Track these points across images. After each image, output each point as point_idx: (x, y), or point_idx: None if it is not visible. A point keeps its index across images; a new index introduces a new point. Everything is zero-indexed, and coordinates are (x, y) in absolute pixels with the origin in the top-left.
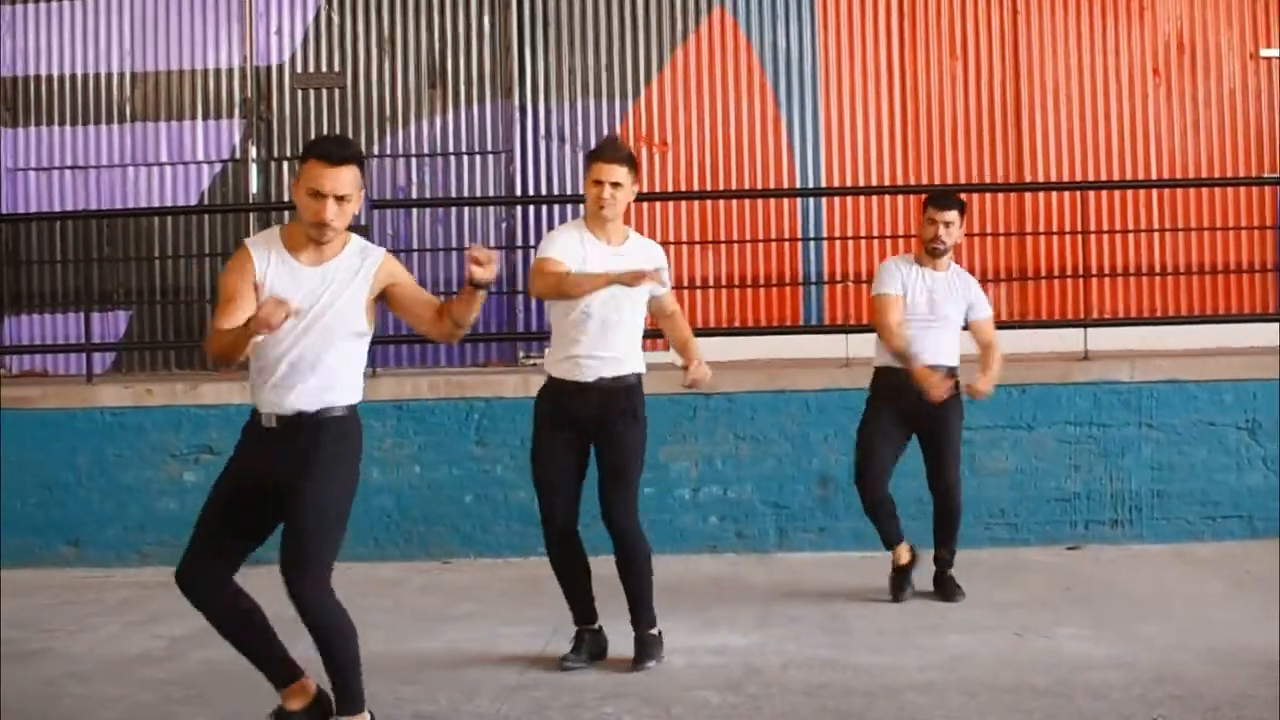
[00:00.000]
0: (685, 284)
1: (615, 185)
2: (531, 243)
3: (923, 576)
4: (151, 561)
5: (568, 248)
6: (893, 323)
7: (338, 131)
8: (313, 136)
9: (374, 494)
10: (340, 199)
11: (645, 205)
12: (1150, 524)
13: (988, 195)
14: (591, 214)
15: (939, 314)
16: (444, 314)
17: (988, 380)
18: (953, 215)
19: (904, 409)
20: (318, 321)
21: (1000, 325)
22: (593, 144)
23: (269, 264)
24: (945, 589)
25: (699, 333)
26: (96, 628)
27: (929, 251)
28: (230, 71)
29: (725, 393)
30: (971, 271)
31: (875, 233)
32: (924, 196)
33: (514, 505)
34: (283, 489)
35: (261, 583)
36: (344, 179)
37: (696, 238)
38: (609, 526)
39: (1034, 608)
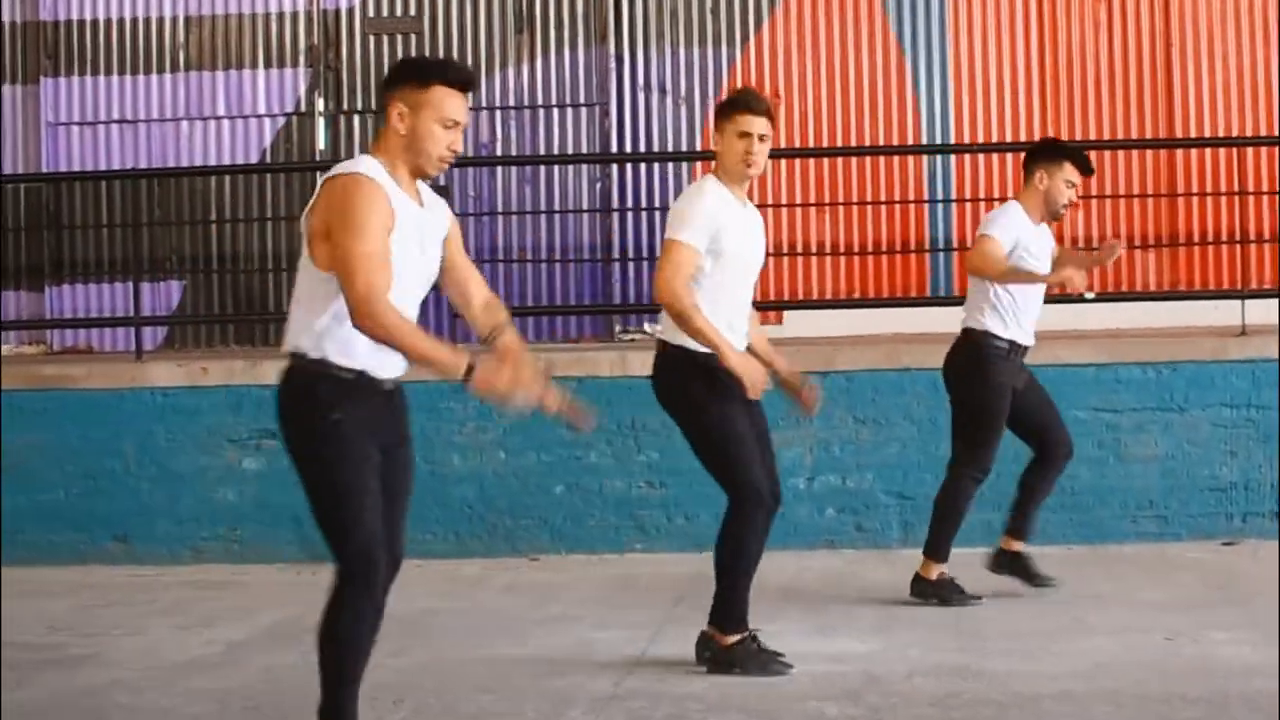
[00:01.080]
0: (799, 250)
1: (763, 139)
2: (629, 204)
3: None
4: (207, 559)
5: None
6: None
7: None
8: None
9: (454, 483)
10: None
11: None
12: None
13: (1135, 153)
14: (734, 171)
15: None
16: (489, 305)
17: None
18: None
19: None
20: (428, 270)
21: (1149, 296)
22: (696, 95)
23: (397, 204)
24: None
25: (815, 305)
26: (146, 631)
27: (1054, 216)
28: (295, 15)
29: (843, 371)
30: (1118, 236)
31: (1009, 194)
32: (1055, 150)
33: (609, 496)
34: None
35: None
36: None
37: (812, 200)
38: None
39: (1185, 609)
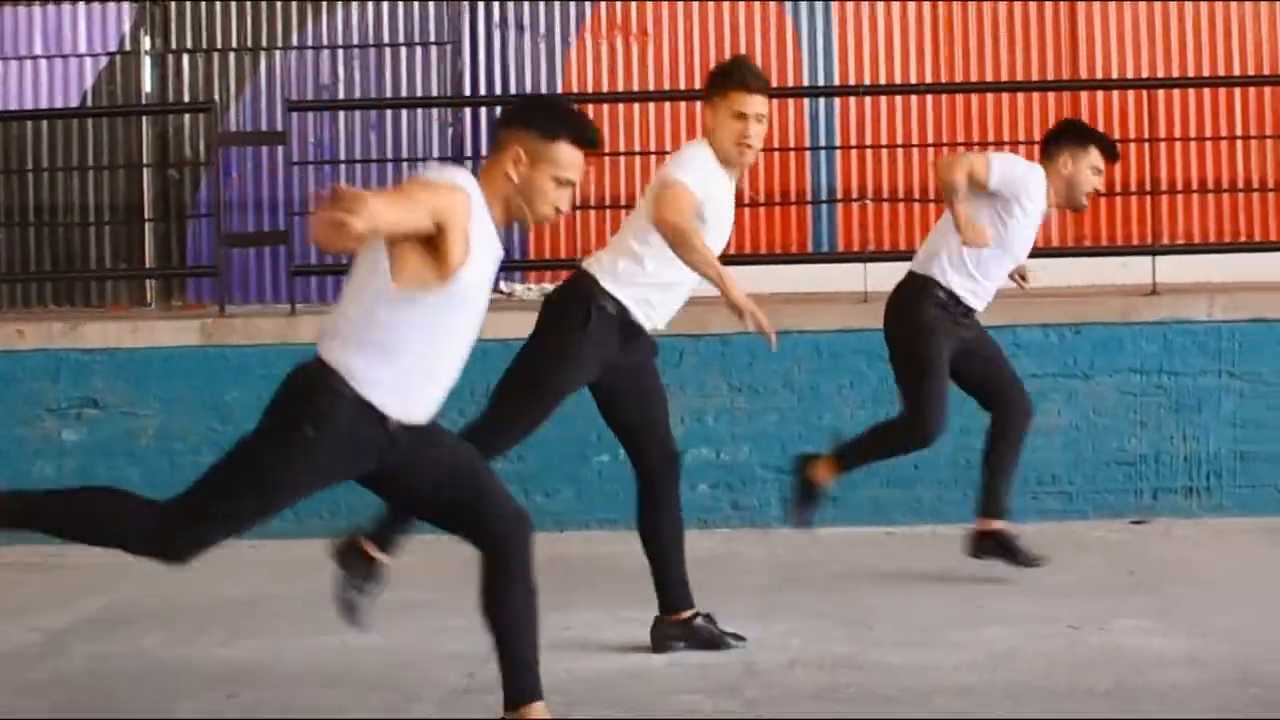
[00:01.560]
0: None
1: (760, 119)
2: (483, 152)
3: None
4: (21, 539)
5: (704, 180)
6: None
7: (249, 16)
8: (216, 24)
9: None
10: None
11: (622, 107)
12: (1232, 493)
13: (1035, 95)
14: (728, 154)
15: None
16: None
17: None
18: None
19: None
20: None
21: (1052, 253)
22: (556, 33)
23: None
24: None
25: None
26: None
27: (1075, 205)
28: None
29: (717, 334)
30: None
31: (899, 141)
32: (1080, 133)
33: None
34: None
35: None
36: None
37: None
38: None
39: (1092, 595)
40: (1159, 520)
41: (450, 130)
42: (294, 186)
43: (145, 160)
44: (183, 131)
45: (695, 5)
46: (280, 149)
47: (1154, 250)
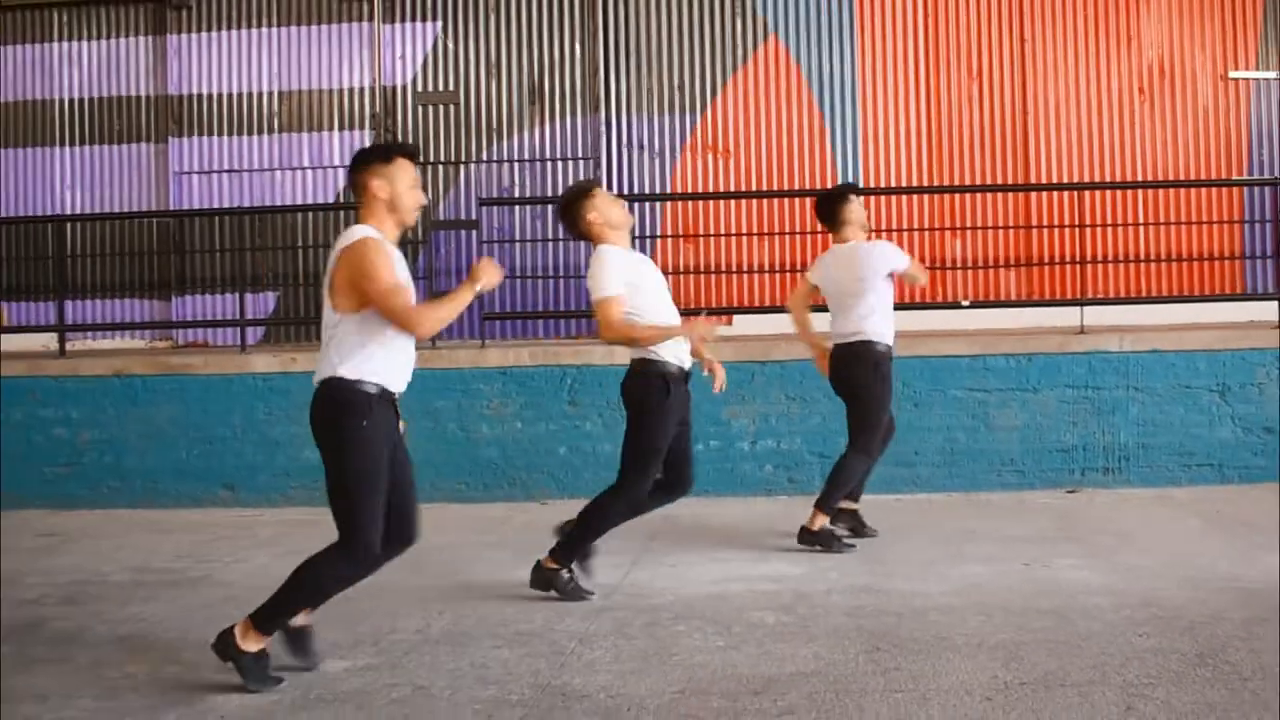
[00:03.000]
0: (745, 269)
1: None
2: None
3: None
4: (295, 503)
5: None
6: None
7: (452, 139)
8: (429, 145)
9: (483, 446)
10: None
11: (712, 204)
12: (1136, 471)
13: (999, 194)
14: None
15: None
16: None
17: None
18: None
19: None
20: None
21: (1009, 304)
22: (665, 151)
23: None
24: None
25: (762, 310)
26: (249, 559)
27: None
28: (361, 90)
29: (778, 361)
30: (985, 261)
31: (905, 226)
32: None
33: (600, 455)
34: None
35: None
36: None
37: (754, 230)
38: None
39: (1038, 542)
40: (1085, 490)
41: None
42: (483, 258)
43: None
44: None
45: (762, 129)
46: (474, 232)
47: (1082, 302)
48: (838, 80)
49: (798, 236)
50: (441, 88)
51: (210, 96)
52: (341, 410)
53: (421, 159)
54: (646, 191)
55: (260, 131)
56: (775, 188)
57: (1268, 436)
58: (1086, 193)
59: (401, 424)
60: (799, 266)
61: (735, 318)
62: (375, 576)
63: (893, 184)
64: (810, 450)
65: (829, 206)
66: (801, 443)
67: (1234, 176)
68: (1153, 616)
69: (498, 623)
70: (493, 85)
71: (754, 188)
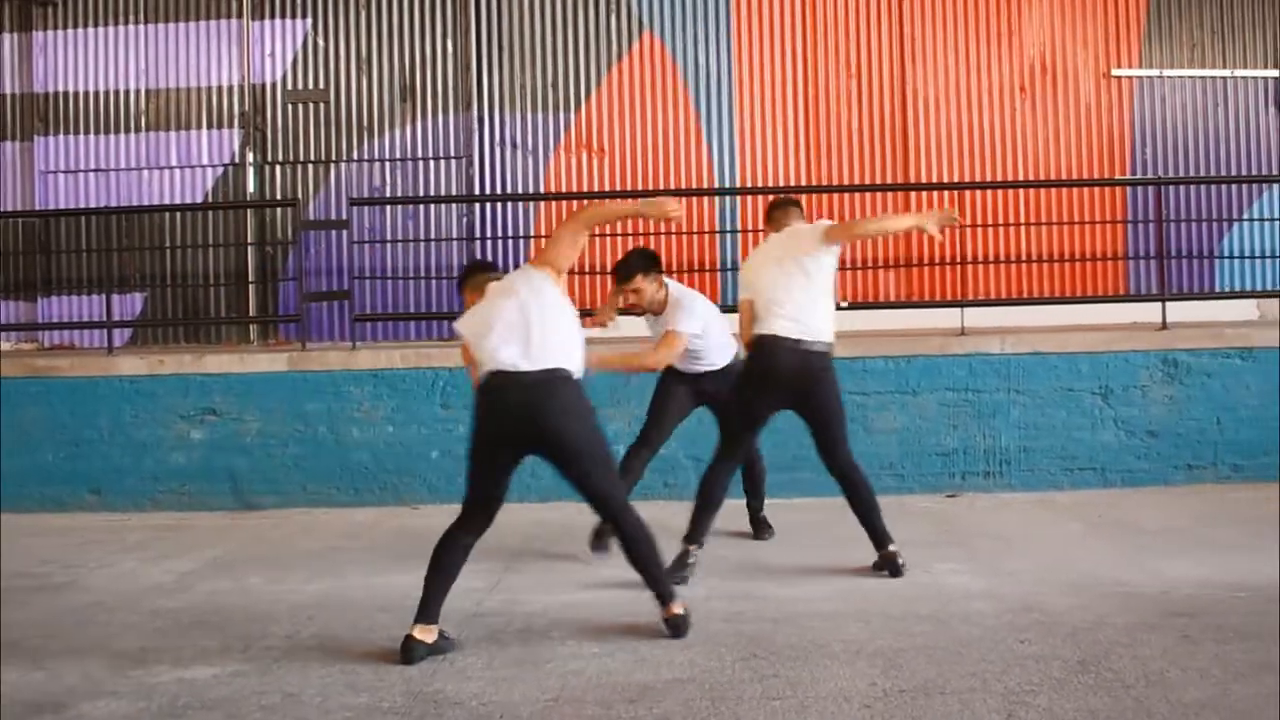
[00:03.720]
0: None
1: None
2: (489, 234)
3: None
4: (162, 507)
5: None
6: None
7: (322, 138)
8: (300, 143)
9: (354, 450)
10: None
11: (586, 203)
12: (1018, 475)
13: (879, 193)
14: None
15: None
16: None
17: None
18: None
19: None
20: None
21: (889, 305)
22: (540, 149)
23: None
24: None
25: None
26: (116, 564)
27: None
28: (230, 88)
29: None
30: (864, 262)
31: None
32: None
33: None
34: None
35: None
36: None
37: (630, 231)
38: None
39: (918, 547)
40: (966, 495)
41: (464, 220)
42: (354, 259)
43: (249, 240)
44: (276, 220)
45: (638, 127)
46: (345, 232)
47: (962, 303)
48: (714, 78)
49: (674, 237)
50: (311, 85)
51: (77, 94)
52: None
53: (290, 158)
54: (520, 191)
55: (128, 130)
56: (651, 187)
57: (1151, 440)
58: (967, 192)
59: None
60: (677, 267)
61: (620, 318)
62: (240, 581)
63: (770, 184)
64: (686, 454)
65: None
66: (677, 447)
67: (1116, 176)
68: (1034, 622)
69: (368, 629)
70: (363, 82)
71: (630, 187)
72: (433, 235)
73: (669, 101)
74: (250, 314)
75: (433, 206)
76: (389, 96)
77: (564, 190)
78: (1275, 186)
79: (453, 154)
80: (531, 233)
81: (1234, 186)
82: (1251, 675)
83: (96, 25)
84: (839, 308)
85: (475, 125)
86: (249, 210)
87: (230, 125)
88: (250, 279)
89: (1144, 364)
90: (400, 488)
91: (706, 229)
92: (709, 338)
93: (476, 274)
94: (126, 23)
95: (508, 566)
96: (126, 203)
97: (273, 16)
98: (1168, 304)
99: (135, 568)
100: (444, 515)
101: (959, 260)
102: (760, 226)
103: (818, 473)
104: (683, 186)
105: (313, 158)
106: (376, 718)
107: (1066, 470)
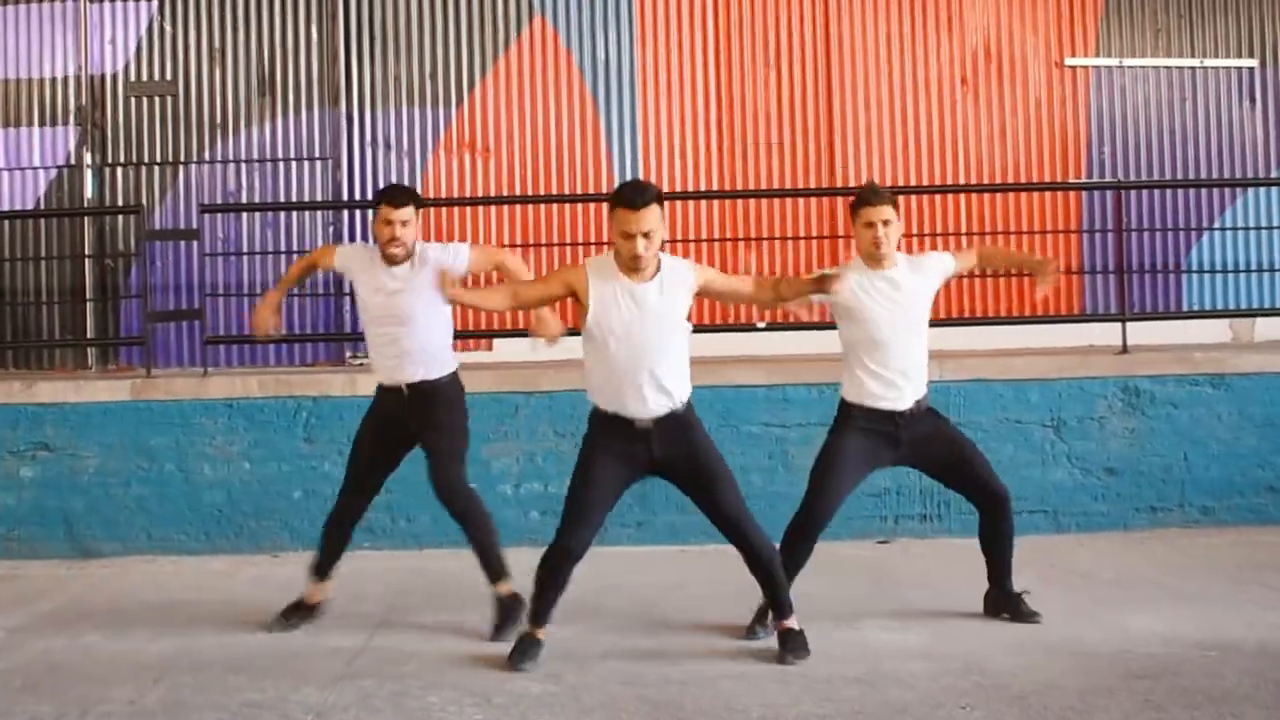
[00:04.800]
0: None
1: (648, 235)
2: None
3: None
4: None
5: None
6: None
7: (170, 136)
8: (144, 142)
9: (205, 490)
10: (648, 234)
11: (469, 210)
12: (958, 519)
13: (801, 199)
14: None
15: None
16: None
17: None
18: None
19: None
20: None
21: (809, 327)
22: (416, 149)
23: (598, 283)
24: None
25: (512, 334)
26: None
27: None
28: (65, 80)
29: (546, 391)
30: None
31: (691, 236)
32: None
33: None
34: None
35: None
36: (647, 218)
37: (518, 241)
38: None
39: (846, 600)
40: (900, 540)
41: (331, 229)
42: (206, 273)
43: (87, 252)
44: (117, 229)
45: (528, 124)
46: (195, 243)
47: None
48: (614, 69)
49: (567, 249)
50: (157, 77)
51: None
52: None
53: (133, 159)
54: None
55: None
56: (544, 191)
57: (1109, 478)
58: (901, 198)
59: None
60: None
61: (496, 342)
62: (77, 639)
63: (678, 188)
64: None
65: None
66: None
67: (1070, 179)
68: (976, 685)
69: (220, 692)
70: (216, 74)
71: (519, 191)
72: (295, 246)
73: (563, 96)
74: (88, 335)
75: (295, 214)
76: (245, 90)
77: (443, 195)
78: (1250, 191)
79: (317, 155)
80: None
81: (1204, 191)
82: None
83: None
84: (756, 329)
85: (343, 123)
86: (86, 218)
87: (65, 122)
88: (88, 296)
89: (1102, 392)
90: (258, 533)
91: (606, 240)
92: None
93: None
94: None
95: (381, 621)
96: None
97: None
98: (1128, 324)
99: None
100: (306, 564)
101: None
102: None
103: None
104: (579, 190)
105: (159, 159)
106: None
107: (1014, 513)
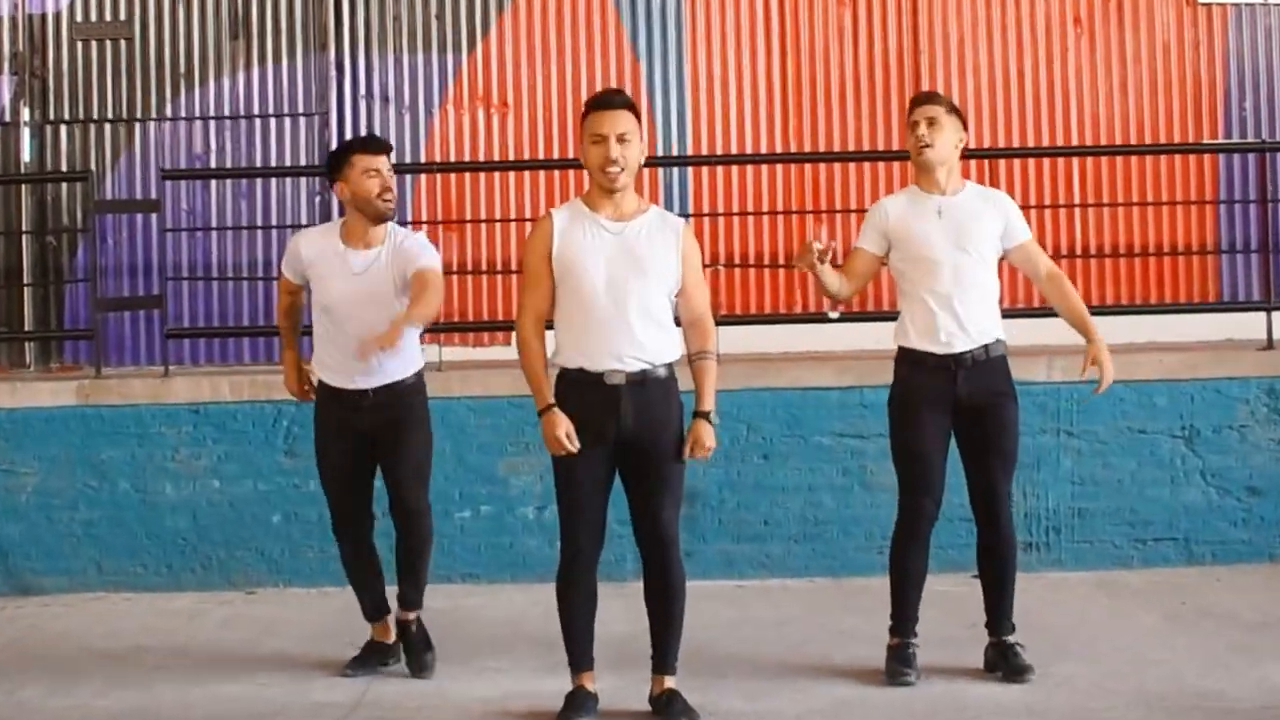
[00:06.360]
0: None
1: (623, 139)
2: None
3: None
4: None
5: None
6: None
7: (124, 88)
8: (93, 96)
9: (167, 513)
10: (621, 138)
11: (484, 174)
12: (1070, 548)
13: (881, 164)
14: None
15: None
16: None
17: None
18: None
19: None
20: None
21: (895, 316)
22: (420, 104)
23: (566, 226)
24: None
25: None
26: None
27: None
28: None
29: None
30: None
31: (749, 209)
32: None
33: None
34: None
35: None
36: (621, 120)
37: (542, 213)
38: None
39: (934, 645)
40: None
41: (319, 198)
42: (168, 252)
43: (24, 227)
44: (60, 199)
45: (553, 75)
46: (155, 216)
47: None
48: (658, 8)
49: None
50: (109, 18)
51: None
52: None
53: (80, 115)
54: (393, 161)
55: None
56: (571, 155)
57: (1252, 499)
58: (1000, 161)
59: None
60: None
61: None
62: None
63: (734, 151)
64: (620, 519)
65: None
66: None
67: (1206, 140)
68: None
69: None
70: (179, 14)
71: (541, 155)
72: (275, 220)
73: (596, 42)
74: (26, 328)
75: (274, 180)
76: (215, 33)
77: (452, 160)
78: None
79: (301, 110)
80: (410, 217)
81: None
82: None
83: None
84: (828, 319)
85: (332, 72)
86: (24, 186)
87: None
88: (25, 280)
89: (1243, 396)
90: (229, 565)
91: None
92: None
93: None
94: None
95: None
96: None
97: None
98: (1275, 314)
99: None
100: (287, 602)
101: None
102: (721, 209)
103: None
104: None
105: (111, 115)
106: None
107: (1137, 541)
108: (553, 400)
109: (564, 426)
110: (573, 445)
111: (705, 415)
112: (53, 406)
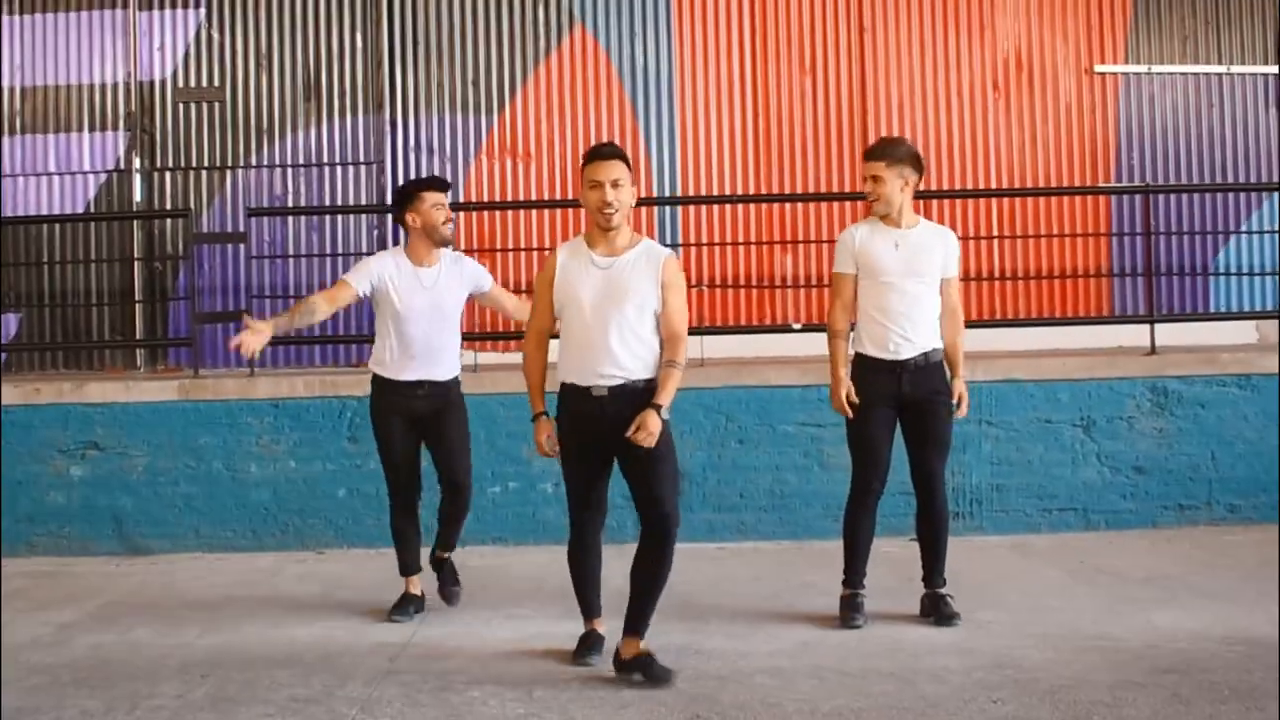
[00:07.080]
0: None
1: (616, 184)
2: None
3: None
4: (39, 552)
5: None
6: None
7: (217, 141)
8: (192, 147)
9: (252, 488)
10: (615, 183)
11: (511, 214)
12: (990, 517)
13: (835, 204)
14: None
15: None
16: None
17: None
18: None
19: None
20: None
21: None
22: (459, 155)
23: (565, 262)
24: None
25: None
26: None
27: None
28: (115, 86)
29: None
30: (817, 279)
31: (727, 239)
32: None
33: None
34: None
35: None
36: (614, 168)
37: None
38: None
39: (878, 596)
40: None
41: (375, 232)
42: (253, 276)
43: (136, 255)
44: (165, 232)
45: (568, 130)
46: (242, 246)
47: None
48: (653, 75)
49: None
50: (205, 83)
51: None
52: None
53: (181, 164)
54: None
55: (1, 132)
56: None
57: (1138, 477)
58: (933, 202)
59: None
60: None
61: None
62: (126, 635)
63: (714, 192)
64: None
65: None
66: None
67: (1100, 184)
68: (1007, 680)
69: (268, 688)
70: (263, 80)
71: (558, 196)
72: (339, 249)
73: (603, 102)
74: (137, 337)
75: (339, 217)
76: (291, 96)
77: (485, 200)
78: (1275, 195)
79: (362, 159)
80: (450, 248)
81: (1230, 195)
82: None
83: None
84: (792, 330)
85: (387, 128)
86: (136, 221)
87: (115, 127)
88: (137, 298)
89: (1130, 393)
90: (304, 530)
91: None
92: None
93: None
94: None
95: (424, 616)
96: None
97: (161, 6)
98: (1156, 326)
99: (9, 619)
100: (351, 561)
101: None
102: (705, 240)
103: (757, 513)
104: None
105: (206, 163)
106: None
107: (1044, 511)
108: (543, 409)
109: (545, 432)
110: (551, 450)
111: (656, 407)
112: (159, 401)
